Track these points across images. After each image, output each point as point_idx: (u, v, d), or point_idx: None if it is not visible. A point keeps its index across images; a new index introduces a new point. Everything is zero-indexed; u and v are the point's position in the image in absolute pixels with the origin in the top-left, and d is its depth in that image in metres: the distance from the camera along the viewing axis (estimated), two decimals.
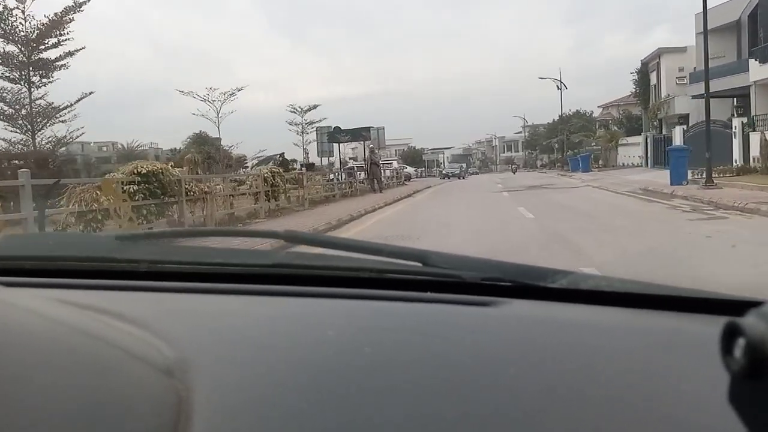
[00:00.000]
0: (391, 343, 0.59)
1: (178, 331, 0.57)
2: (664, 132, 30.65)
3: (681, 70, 37.14)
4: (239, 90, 28.06)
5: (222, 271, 0.81)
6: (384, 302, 0.71)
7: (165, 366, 0.48)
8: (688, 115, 33.87)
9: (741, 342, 0.32)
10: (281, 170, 14.45)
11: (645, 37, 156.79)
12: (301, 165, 30.75)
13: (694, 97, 27.07)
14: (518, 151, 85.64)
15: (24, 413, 0.36)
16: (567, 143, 42.50)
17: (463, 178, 42.81)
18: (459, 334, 0.61)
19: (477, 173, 64.98)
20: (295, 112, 34.09)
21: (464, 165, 50.58)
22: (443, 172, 48.15)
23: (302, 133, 33.96)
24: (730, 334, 0.33)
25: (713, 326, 0.41)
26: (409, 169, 45.33)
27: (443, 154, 70.99)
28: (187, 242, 2.50)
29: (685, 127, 24.18)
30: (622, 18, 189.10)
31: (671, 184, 14.93)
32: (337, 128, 28.96)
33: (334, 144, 29.05)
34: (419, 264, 0.78)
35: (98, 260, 0.85)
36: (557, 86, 43.33)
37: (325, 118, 32.57)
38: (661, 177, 19.13)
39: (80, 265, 0.84)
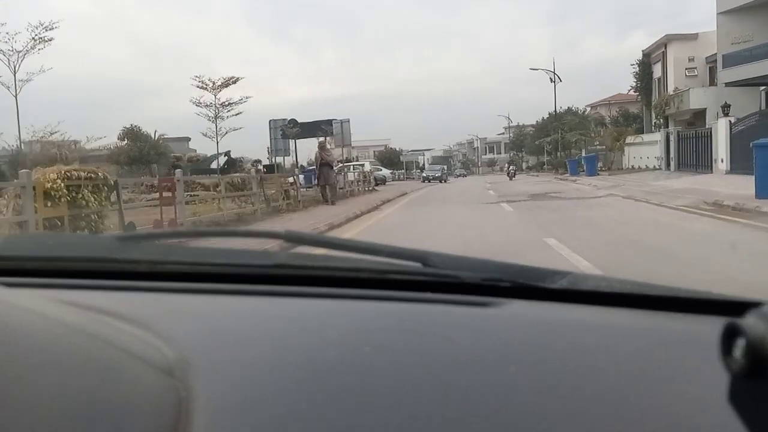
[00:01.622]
0: (391, 343, 0.59)
1: (178, 332, 0.57)
2: (675, 128, 25.82)
3: (691, 60, 32.57)
4: (50, 28, 17.56)
5: (222, 271, 0.80)
6: (384, 302, 0.71)
7: (165, 366, 0.48)
8: (704, 110, 29.19)
9: (741, 342, 0.32)
10: (99, 173, 7.30)
11: (624, 39, 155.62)
12: (265, 166, 25.55)
13: (728, 84, 22.37)
14: (500, 153, 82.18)
15: (24, 413, 0.36)
16: (562, 142, 37.67)
17: (445, 181, 38.45)
18: (459, 334, 0.61)
19: (465, 175, 61.05)
20: (204, 88, 21.02)
21: (445, 167, 45.89)
22: (423, 174, 43.25)
23: (216, 118, 21.11)
24: (730, 335, 0.33)
25: (713, 326, 0.41)
26: (384, 172, 40.16)
27: (423, 155, 66.72)
28: (187, 242, 1.81)
29: (732, 119, 19.25)
30: (603, 21, 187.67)
31: (758, 196, 10.04)
32: (292, 121, 23.76)
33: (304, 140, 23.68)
34: (419, 264, 0.77)
35: (99, 260, 0.84)
36: (550, 78, 38.57)
37: (249, 97, 22.71)
38: (710, 183, 14.53)
39: (81, 265, 0.83)
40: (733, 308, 0.63)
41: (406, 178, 52.20)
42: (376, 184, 32.39)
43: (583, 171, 28.38)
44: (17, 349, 0.41)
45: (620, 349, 0.59)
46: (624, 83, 35.22)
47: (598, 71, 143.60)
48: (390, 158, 57.48)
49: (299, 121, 23.45)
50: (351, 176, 23.13)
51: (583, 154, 33.31)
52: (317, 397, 0.47)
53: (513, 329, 0.63)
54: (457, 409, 0.46)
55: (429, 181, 38.13)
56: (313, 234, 1.15)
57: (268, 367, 0.53)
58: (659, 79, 34.28)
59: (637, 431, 0.44)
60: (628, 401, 0.48)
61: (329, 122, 22.29)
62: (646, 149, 27.94)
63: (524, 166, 70.71)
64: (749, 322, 0.32)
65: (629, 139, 30.98)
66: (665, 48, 33.52)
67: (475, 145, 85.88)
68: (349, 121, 22.03)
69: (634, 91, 37.35)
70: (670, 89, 31.40)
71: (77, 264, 0.82)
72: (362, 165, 33.65)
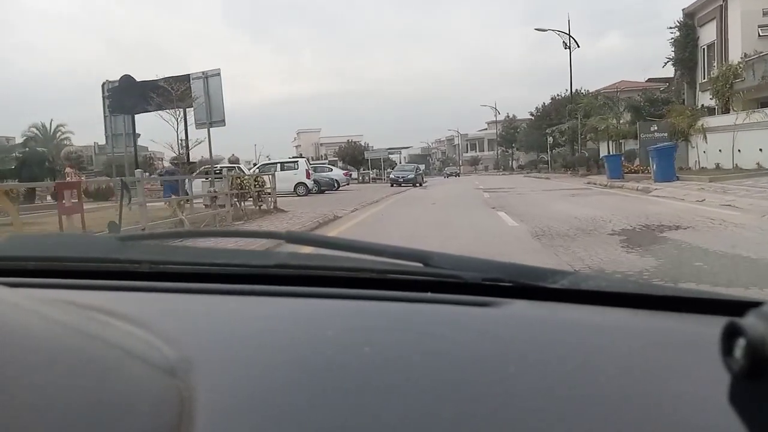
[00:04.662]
0: (391, 343, 0.59)
1: (179, 332, 0.57)
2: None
3: (767, 13, 21.85)
4: None
5: (223, 271, 0.80)
6: (385, 302, 0.71)
7: (166, 366, 0.48)
8: None
9: (741, 342, 0.32)
10: None
11: (599, 40, 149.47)
12: (172, 162, 14.63)
13: None
14: (484, 150, 72.02)
15: (24, 413, 0.36)
16: (582, 131, 26.94)
17: (420, 185, 27.93)
18: (459, 334, 0.61)
19: (457, 174, 51.27)
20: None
21: (421, 167, 35.50)
22: (391, 176, 32.71)
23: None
24: (730, 334, 0.33)
25: (713, 326, 0.42)
26: (335, 173, 29.27)
27: (400, 153, 56.23)
28: (188, 243, 1.83)
29: None
30: (578, 20, 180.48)
31: None
32: (126, 78, 12.81)
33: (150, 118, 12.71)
34: (420, 264, 0.77)
35: (100, 261, 0.84)
36: (564, 42, 28.32)
37: None
38: None
39: (82, 265, 0.83)
40: (734, 308, 0.63)
41: (373, 179, 41.42)
42: (320, 191, 21.16)
43: (641, 172, 17.94)
44: (17, 349, 0.41)
45: (621, 349, 0.58)
46: (610, 77, 24.95)
47: (580, 69, 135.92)
48: (352, 155, 46.44)
49: (139, 80, 12.57)
50: (199, 188, 11.44)
51: (626, 146, 22.64)
52: (318, 397, 0.47)
53: (514, 329, 0.63)
54: (458, 409, 0.46)
55: (400, 185, 27.69)
56: (313, 234, 1.12)
57: (268, 367, 0.53)
58: (709, 46, 23.75)
59: (637, 431, 0.45)
60: (629, 401, 0.48)
61: (185, 78, 11.42)
62: (758, 137, 16.89)
63: (514, 165, 60.57)
64: (749, 322, 0.32)
65: (713, 122, 19.76)
66: (725, 1, 22.75)
67: (456, 142, 75.84)
68: (219, 75, 11.04)
69: (673, 64, 27.30)
70: (737, 56, 20.82)
71: (78, 264, 0.82)
72: (295, 162, 22.84)
